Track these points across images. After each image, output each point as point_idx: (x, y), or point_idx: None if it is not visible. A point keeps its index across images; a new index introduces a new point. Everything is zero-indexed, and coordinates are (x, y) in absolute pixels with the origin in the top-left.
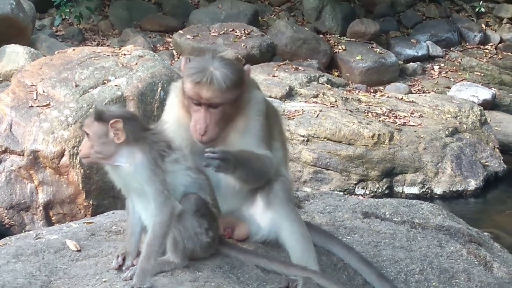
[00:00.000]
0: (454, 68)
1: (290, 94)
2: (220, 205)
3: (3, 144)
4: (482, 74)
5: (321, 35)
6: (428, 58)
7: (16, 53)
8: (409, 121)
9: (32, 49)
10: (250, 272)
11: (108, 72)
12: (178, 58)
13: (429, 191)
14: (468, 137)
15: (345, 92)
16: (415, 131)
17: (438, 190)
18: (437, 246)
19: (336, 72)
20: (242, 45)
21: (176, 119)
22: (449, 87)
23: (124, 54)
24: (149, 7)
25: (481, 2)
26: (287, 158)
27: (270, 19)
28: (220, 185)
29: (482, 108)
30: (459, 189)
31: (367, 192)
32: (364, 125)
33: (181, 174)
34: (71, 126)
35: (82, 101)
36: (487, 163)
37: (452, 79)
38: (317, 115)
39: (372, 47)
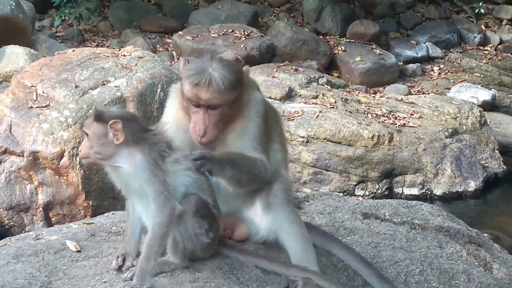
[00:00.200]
0: (454, 69)
1: (289, 95)
2: (220, 206)
3: (2, 145)
4: (482, 75)
5: (321, 36)
6: (428, 59)
7: (15, 54)
8: (409, 122)
9: (32, 50)
10: (250, 273)
11: (108, 73)
12: (178, 59)
13: (429, 192)
14: (467, 138)
15: (344, 93)
16: (414, 132)
17: (438, 191)
18: (437, 247)
19: (336, 73)
20: (242, 46)
21: (175, 120)
22: (449, 88)
23: (124, 55)
24: (149, 8)
25: (480, 3)
26: (286, 159)
27: (269, 20)
28: (220, 186)
29: (481, 109)
30: (459, 190)
31: (367, 193)
32: (363, 126)
33: (182, 174)
34: (70, 127)
35: (82, 102)
36: (486, 164)
37: (451, 80)
38: (317, 116)
39: (371, 48)
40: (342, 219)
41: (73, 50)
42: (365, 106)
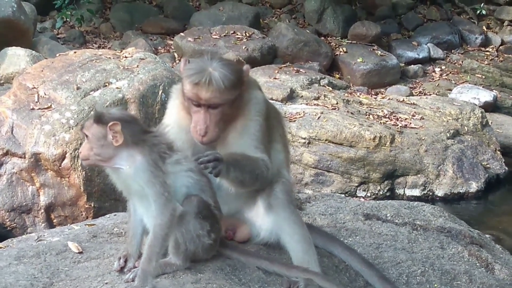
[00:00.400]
0: (455, 70)
1: (291, 97)
2: (222, 207)
3: (4, 146)
4: (483, 76)
5: (322, 38)
6: (429, 60)
7: (17, 55)
8: (410, 123)
9: (34, 51)
10: (252, 274)
11: (110, 74)
12: (179, 60)
13: (431, 193)
14: (469, 139)
15: (346, 95)
16: (416, 133)
17: (440, 192)
18: (438, 248)
19: (337, 74)
20: (243, 47)
21: (177, 121)
22: (450, 90)
23: (125, 57)
24: (151, 9)
25: (482, 4)
26: (288, 160)
27: (271, 22)
28: (222, 187)
29: (483, 110)
30: (461, 191)
31: (369, 194)
32: (365, 127)
33: (183, 175)
34: (72, 129)
35: (84, 104)
36: (488, 165)
37: (453, 81)
38: (318, 118)
39: (373, 49)
40: (343, 220)
41: (75, 52)
42: (367, 107)
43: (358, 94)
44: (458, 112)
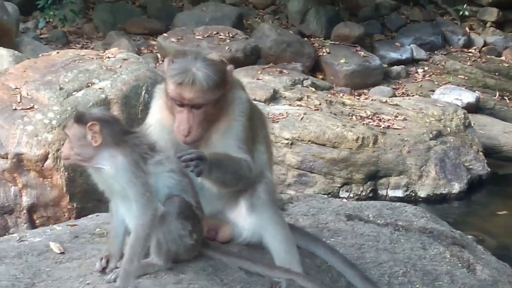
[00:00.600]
0: (438, 71)
1: (274, 97)
2: (204, 207)
3: None
4: (466, 78)
5: (306, 38)
6: (412, 61)
7: (0, 55)
8: (393, 124)
9: (16, 51)
10: (234, 274)
11: (92, 75)
12: (163, 61)
13: (413, 194)
14: (452, 140)
15: (329, 95)
16: (399, 134)
17: (422, 193)
18: (420, 248)
19: (321, 75)
20: (227, 48)
21: (160, 121)
22: (433, 90)
23: (108, 57)
24: (134, 10)
25: (465, 5)
26: (271, 161)
27: (254, 22)
28: (204, 188)
29: (466, 111)
30: (443, 192)
31: (352, 195)
32: (348, 128)
33: (165, 176)
34: (55, 129)
35: (66, 104)
36: (471, 166)
37: (436, 82)
38: (302, 118)
39: (356, 50)
40: (326, 221)
41: (58, 52)
42: (350, 108)
43: (341, 95)
44: (441, 113)
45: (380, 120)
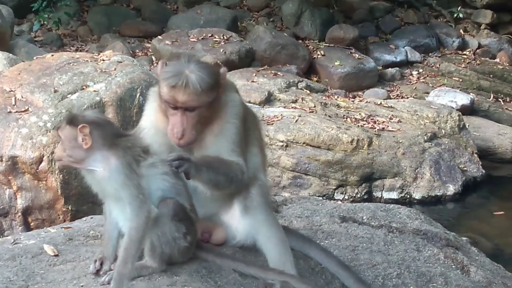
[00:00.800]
0: (433, 73)
1: (269, 100)
2: (198, 209)
3: None
4: (461, 80)
5: (300, 41)
6: (407, 63)
7: None
8: (388, 126)
9: (11, 54)
10: (228, 277)
11: (87, 77)
12: (157, 63)
13: (408, 196)
14: (446, 142)
15: (324, 98)
16: (393, 136)
17: (417, 195)
18: (414, 250)
19: (315, 77)
20: (221, 50)
21: (153, 124)
22: (428, 93)
23: (103, 60)
24: (128, 12)
25: (459, 7)
26: (265, 163)
27: (249, 25)
28: (198, 190)
29: (460, 113)
30: (438, 194)
31: (346, 197)
32: (343, 130)
33: (158, 179)
34: (49, 132)
35: (61, 107)
36: (465, 168)
37: (430, 85)
38: (296, 121)
39: (351, 52)
40: (320, 223)
41: (52, 55)
42: (344, 111)
43: (335, 97)
44: (436, 115)
45: (374, 122)
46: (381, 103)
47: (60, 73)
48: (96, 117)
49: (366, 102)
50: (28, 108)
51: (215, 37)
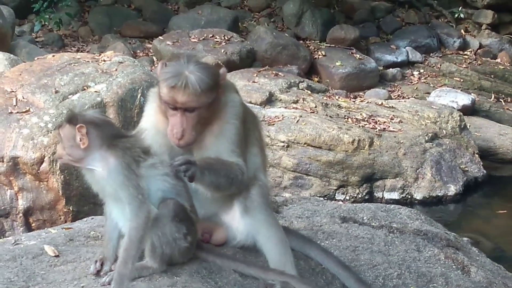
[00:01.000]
0: (434, 73)
1: (270, 100)
2: (198, 210)
3: None
4: (462, 80)
5: (301, 41)
6: (408, 63)
7: None
8: (389, 126)
9: (12, 55)
10: (228, 277)
11: (88, 78)
12: (158, 64)
13: (409, 197)
14: (447, 142)
15: (325, 98)
16: (395, 137)
17: (418, 196)
18: (415, 250)
19: (316, 78)
20: (222, 51)
21: (153, 124)
22: (429, 93)
23: (104, 60)
24: (129, 13)
25: (460, 8)
26: (265, 163)
27: (250, 25)
28: (198, 191)
29: (461, 113)
30: (439, 194)
31: (347, 197)
32: (344, 130)
33: (158, 180)
34: (50, 132)
35: (62, 107)
36: (466, 169)
37: (431, 85)
38: (297, 121)
39: (352, 53)
40: (320, 223)
41: (53, 55)
42: (345, 111)
43: (336, 97)
44: (437, 115)
45: (375, 122)
46: (382, 104)
47: (61, 74)
48: (95, 117)
49: (367, 102)
50: (29, 109)
51: (216, 38)
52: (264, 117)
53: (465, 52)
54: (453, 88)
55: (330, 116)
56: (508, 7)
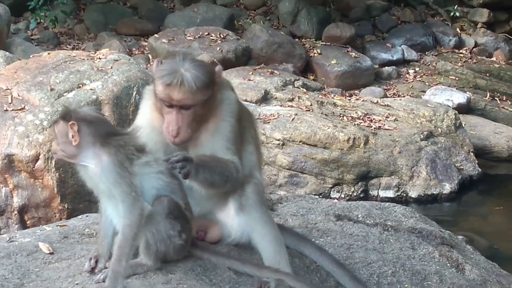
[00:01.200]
0: (429, 72)
1: (265, 98)
2: (193, 208)
3: None
4: (457, 78)
5: (297, 39)
6: (403, 62)
7: None
8: (384, 125)
9: (7, 52)
10: (223, 275)
11: (83, 76)
12: (154, 62)
13: (404, 195)
14: (443, 141)
15: (320, 96)
16: (390, 135)
17: (413, 194)
18: (409, 248)
19: (312, 76)
20: (218, 49)
21: (149, 122)
22: (424, 91)
23: (99, 58)
24: (125, 11)
25: (455, 6)
26: (260, 161)
27: (245, 23)
28: (193, 188)
29: (456, 112)
30: (434, 192)
31: (343, 195)
32: (339, 128)
33: (152, 177)
34: (46, 130)
35: (57, 105)
36: (461, 167)
37: (427, 83)
38: (293, 119)
39: (347, 51)
40: (315, 221)
41: (49, 53)
42: (341, 109)
43: (332, 95)
44: (432, 113)
45: (371, 120)
46: (377, 102)
47: (56, 72)
48: (88, 115)
49: (363, 100)
50: (24, 107)
51: (211, 36)
52: (259, 115)
53: (461, 51)
54: (449, 86)
55: (325, 114)
56: (503, 5)
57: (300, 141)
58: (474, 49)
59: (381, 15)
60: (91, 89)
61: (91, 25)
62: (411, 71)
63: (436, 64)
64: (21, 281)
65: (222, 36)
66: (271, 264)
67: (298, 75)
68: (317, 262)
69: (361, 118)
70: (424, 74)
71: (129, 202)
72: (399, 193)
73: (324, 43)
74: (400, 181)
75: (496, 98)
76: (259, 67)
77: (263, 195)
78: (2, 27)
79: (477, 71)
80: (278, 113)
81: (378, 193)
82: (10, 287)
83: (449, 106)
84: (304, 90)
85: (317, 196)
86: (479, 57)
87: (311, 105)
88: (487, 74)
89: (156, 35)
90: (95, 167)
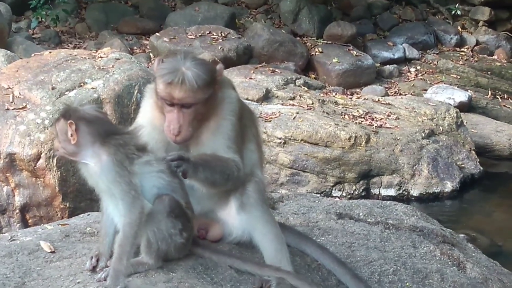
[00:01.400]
0: (431, 70)
1: (267, 97)
2: (194, 206)
3: None
4: (458, 77)
5: (298, 38)
6: (405, 60)
7: None
8: (386, 123)
9: (9, 51)
10: (224, 273)
11: (85, 74)
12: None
13: (406, 193)
14: (444, 139)
15: (322, 95)
16: (391, 133)
17: (415, 192)
18: (410, 246)
19: (313, 74)
20: (219, 47)
21: (150, 121)
22: (426, 90)
23: (101, 57)
24: (126, 9)
25: (457, 4)
26: (262, 159)
27: (247, 22)
28: (194, 186)
29: (458, 110)
30: (436, 191)
31: (344, 194)
32: (341, 127)
33: (153, 176)
34: (47, 129)
35: (59, 104)
36: (463, 165)
37: (428, 82)
38: (294, 118)
39: (348, 49)
40: (316, 219)
41: (50, 52)
42: (342, 107)
43: (333, 94)
44: (433, 112)
45: (372, 119)
46: (379, 100)
47: (58, 70)
48: (88, 114)
49: (364, 99)
50: (26, 105)
51: (213, 34)
52: (261, 113)
53: (462, 49)
54: (450, 85)
55: (327, 113)
56: (505, 4)
57: (301, 140)
58: (475, 47)
59: (383, 13)
60: (92, 88)
61: (93, 24)
62: (412, 69)
63: (437, 62)
64: (23, 280)
65: (223, 35)
66: (272, 262)
67: (299, 73)
68: (318, 260)
69: (362, 116)
70: (425, 73)
71: (128, 201)
72: (400, 192)
73: (325, 41)
74: (402, 179)
75: (497, 96)
76: (260, 65)
77: (264, 194)
78: (3, 26)
79: (478, 69)
80: (279, 111)
81: (379, 191)
82: (12, 285)
83: (451, 105)
84: (306, 88)
85: (318, 195)
86: (480, 55)
87: (312, 103)
88: (489, 72)
89: (157, 33)
90: (94, 166)
